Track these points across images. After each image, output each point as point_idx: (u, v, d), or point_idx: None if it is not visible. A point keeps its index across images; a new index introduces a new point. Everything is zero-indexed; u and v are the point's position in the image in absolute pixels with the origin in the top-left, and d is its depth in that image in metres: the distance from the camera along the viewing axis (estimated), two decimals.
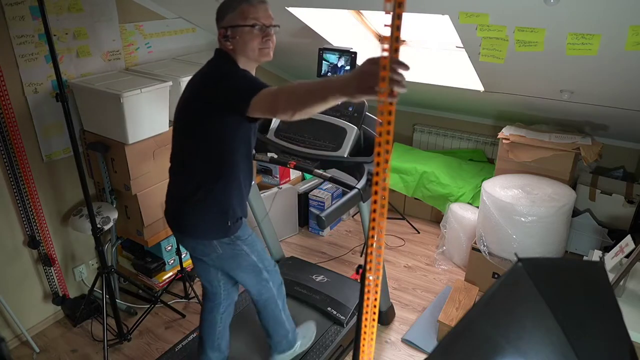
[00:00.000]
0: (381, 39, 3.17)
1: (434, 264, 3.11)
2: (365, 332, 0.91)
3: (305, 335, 2.11)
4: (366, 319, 0.90)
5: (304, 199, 3.49)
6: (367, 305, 0.89)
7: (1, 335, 1.04)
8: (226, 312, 1.92)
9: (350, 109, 2.03)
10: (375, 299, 0.89)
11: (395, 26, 0.66)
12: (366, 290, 0.86)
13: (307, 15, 2.55)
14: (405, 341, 2.42)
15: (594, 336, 0.73)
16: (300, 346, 2.03)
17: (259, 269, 1.75)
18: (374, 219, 0.80)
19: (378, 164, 0.76)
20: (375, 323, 0.92)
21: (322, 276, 2.61)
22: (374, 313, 0.90)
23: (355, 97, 0.99)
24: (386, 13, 0.67)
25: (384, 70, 0.72)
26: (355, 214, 3.78)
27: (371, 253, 0.85)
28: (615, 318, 0.74)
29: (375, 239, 0.81)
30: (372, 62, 0.93)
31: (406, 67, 0.81)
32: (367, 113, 2.02)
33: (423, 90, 3.11)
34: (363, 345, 0.94)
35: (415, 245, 3.34)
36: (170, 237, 2.66)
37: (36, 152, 2.28)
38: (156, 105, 2.28)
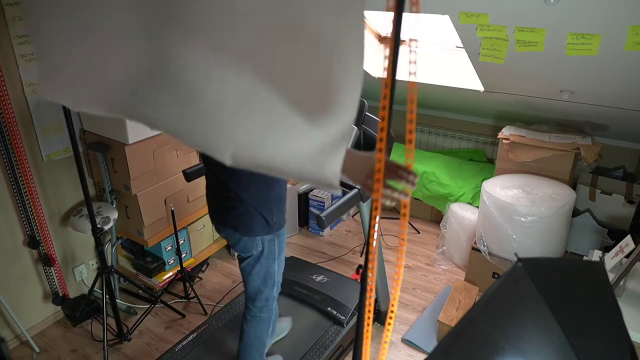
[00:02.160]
0: (381, 39, 3.17)
1: (434, 264, 3.11)
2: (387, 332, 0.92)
3: (282, 325, 2.16)
4: (368, 318, 0.91)
5: (304, 199, 3.49)
6: (369, 304, 0.89)
7: (1, 335, 1.04)
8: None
9: None
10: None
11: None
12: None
13: None
14: (405, 341, 2.42)
15: (594, 336, 0.73)
16: (275, 333, 2.07)
17: (273, 281, 1.77)
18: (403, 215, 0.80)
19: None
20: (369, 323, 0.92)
21: (322, 276, 2.61)
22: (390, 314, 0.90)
23: (356, 184, 0.98)
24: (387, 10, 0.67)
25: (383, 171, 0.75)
26: (355, 214, 3.78)
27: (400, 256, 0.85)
28: (615, 318, 0.74)
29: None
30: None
31: (411, 174, 0.86)
32: (367, 113, 2.02)
33: (423, 90, 3.11)
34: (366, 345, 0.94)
35: (415, 245, 3.34)
36: (170, 237, 2.66)
37: (36, 152, 2.28)
38: None
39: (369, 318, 0.92)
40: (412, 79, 0.70)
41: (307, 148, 0.78)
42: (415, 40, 0.69)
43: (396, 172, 0.85)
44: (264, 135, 0.81)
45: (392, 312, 0.88)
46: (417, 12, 0.68)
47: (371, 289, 0.89)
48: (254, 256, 1.69)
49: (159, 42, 0.97)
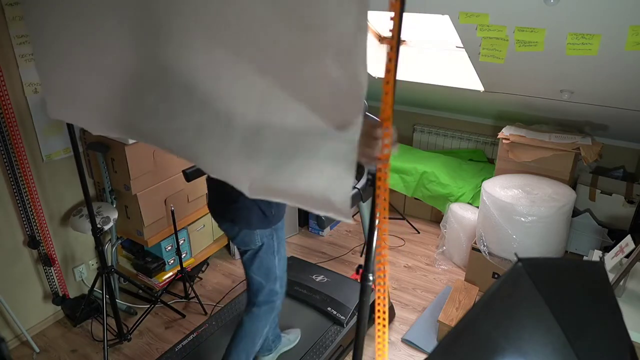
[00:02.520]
0: (381, 39, 3.17)
1: (434, 264, 3.11)
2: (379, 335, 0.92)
3: (291, 336, 2.15)
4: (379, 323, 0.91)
5: None
6: (379, 310, 0.89)
7: (1, 335, 1.04)
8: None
9: None
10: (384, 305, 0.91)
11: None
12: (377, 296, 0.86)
13: None
14: (405, 341, 2.42)
15: (594, 336, 0.73)
16: (283, 344, 2.07)
17: (275, 276, 1.77)
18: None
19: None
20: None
21: (322, 276, 2.61)
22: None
23: None
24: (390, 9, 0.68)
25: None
26: (355, 214, 3.78)
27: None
28: (615, 318, 0.74)
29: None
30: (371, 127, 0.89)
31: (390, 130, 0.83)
32: (367, 113, 2.01)
33: (423, 90, 3.11)
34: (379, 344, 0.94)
35: (415, 245, 3.34)
36: (170, 237, 2.66)
37: (36, 152, 2.28)
38: None
39: (383, 319, 0.92)
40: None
41: (315, 182, 0.83)
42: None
43: (375, 134, 0.83)
44: (275, 171, 0.86)
45: (383, 312, 0.88)
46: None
47: (384, 297, 0.89)
48: (253, 250, 1.71)
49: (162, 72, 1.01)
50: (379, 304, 0.90)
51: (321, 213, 0.84)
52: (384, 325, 0.91)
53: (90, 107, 1.22)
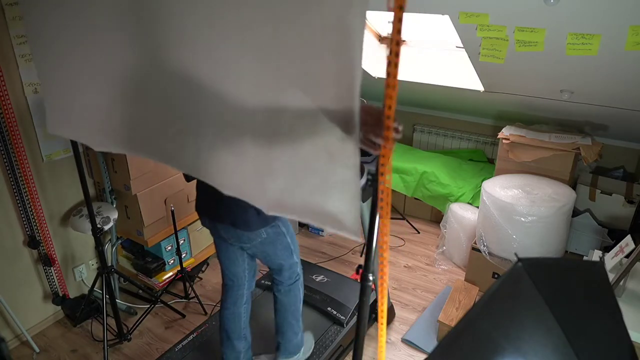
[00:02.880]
0: (381, 39, 3.17)
1: (434, 264, 3.11)
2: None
3: (306, 342, 2.12)
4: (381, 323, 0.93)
5: None
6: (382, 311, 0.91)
7: (1, 335, 1.04)
8: (247, 302, 1.95)
9: None
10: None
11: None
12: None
13: None
14: (405, 341, 2.42)
15: (594, 336, 0.73)
16: (303, 353, 2.06)
17: (291, 250, 1.83)
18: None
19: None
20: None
21: (322, 276, 2.61)
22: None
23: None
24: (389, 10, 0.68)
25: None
26: None
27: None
28: (615, 318, 0.74)
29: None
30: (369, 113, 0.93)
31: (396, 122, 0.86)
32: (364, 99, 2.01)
33: (423, 90, 3.11)
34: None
35: (415, 245, 3.34)
36: (170, 237, 2.66)
37: (36, 152, 2.28)
38: None
39: (381, 317, 0.93)
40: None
41: (326, 205, 0.89)
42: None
43: (379, 124, 0.85)
44: (289, 192, 0.92)
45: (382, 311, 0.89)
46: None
47: (383, 296, 0.90)
48: (262, 241, 1.71)
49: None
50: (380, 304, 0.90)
51: (333, 231, 0.90)
52: (382, 323, 0.92)
53: (91, 121, 1.23)
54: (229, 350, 1.93)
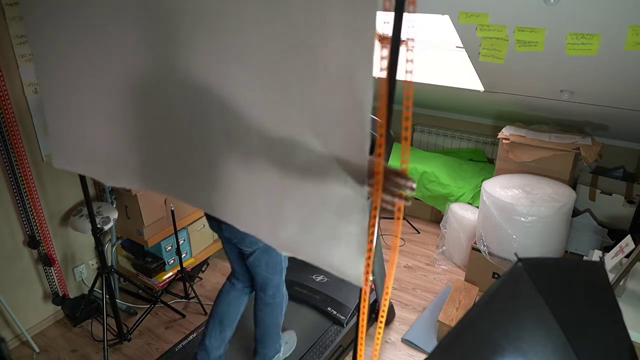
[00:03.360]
0: (381, 39, 3.17)
1: (434, 264, 3.11)
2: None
3: (288, 341, 2.13)
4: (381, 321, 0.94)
5: None
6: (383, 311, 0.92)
7: (1, 335, 1.04)
8: (248, 296, 1.96)
9: None
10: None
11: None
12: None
13: None
14: (405, 341, 2.42)
15: (594, 336, 0.73)
16: (283, 353, 2.06)
17: (281, 267, 1.82)
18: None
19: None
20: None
21: (322, 276, 2.61)
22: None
23: None
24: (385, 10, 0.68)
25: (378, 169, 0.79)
26: None
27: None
28: (615, 318, 0.74)
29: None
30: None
31: (409, 180, 0.86)
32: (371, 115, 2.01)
33: (423, 90, 3.11)
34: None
35: (415, 245, 3.34)
36: (170, 237, 2.66)
37: (36, 152, 2.28)
38: None
39: (382, 317, 0.95)
40: (409, 77, 0.71)
41: (332, 256, 0.93)
42: (412, 40, 0.70)
43: (393, 179, 0.85)
44: (298, 239, 0.97)
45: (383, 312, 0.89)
46: (414, 11, 0.69)
47: (365, 292, 0.92)
48: (261, 249, 1.71)
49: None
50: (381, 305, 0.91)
51: (340, 277, 0.94)
52: (381, 322, 0.92)
53: (100, 154, 1.25)
54: (215, 335, 1.91)
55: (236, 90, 0.91)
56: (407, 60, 0.71)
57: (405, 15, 0.72)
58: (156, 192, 1.21)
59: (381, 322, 0.92)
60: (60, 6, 1.11)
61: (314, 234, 0.93)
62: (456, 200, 3.18)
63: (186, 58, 0.95)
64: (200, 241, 2.96)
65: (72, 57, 1.15)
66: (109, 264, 2.38)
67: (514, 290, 0.74)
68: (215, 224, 1.74)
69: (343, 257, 0.91)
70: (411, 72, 0.71)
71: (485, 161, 3.60)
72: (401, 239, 3.41)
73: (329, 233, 0.90)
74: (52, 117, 1.30)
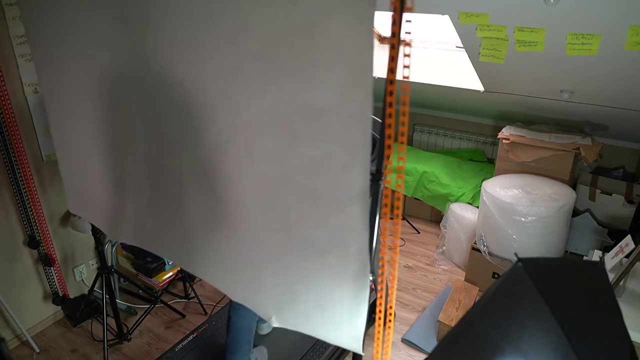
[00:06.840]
0: (381, 39, 3.17)
1: (434, 264, 3.11)
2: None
3: (258, 357, 2.12)
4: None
5: None
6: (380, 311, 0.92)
7: (1, 335, 1.04)
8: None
9: None
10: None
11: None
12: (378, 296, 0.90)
13: None
14: (405, 341, 2.42)
15: (594, 336, 0.73)
16: None
17: None
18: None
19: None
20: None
21: None
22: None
23: None
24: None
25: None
26: None
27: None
28: (615, 318, 0.74)
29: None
30: None
31: None
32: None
33: (423, 90, 3.11)
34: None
35: (415, 245, 3.34)
36: None
37: (36, 152, 2.28)
38: None
39: (390, 321, 0.95)
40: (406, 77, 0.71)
41: (324, 330, 0.94)
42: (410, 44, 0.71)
43: None
44: (289, 313, 0.98)
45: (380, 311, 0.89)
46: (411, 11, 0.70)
47: (381, 295, 0.92)
48: None
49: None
50: (380, 304, 0.91)
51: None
52: (381, 324, 0.93)
53: (102, 208, 1.26)
54: (241, 356, 1.91)
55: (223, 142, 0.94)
56: (405, 55, 0.71)
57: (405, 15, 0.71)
58: (154, 253, 1.24)
59: (380, 322, 0.92)
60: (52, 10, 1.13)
61: (305, 309, 0.95)
62: (456, 200, 3.18)
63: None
64: None
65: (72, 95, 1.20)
66: (109, 264, 2.38)
67: (514, 291, 0.74)
68: None
69: (337, 334, 0.92)
70: (408, 67, 0.71)
71: (485, 161, 3.60)
72: (401, 239, 3.41)
73: (318, 303, 0.92)
74: (63, 159, 1.35)
